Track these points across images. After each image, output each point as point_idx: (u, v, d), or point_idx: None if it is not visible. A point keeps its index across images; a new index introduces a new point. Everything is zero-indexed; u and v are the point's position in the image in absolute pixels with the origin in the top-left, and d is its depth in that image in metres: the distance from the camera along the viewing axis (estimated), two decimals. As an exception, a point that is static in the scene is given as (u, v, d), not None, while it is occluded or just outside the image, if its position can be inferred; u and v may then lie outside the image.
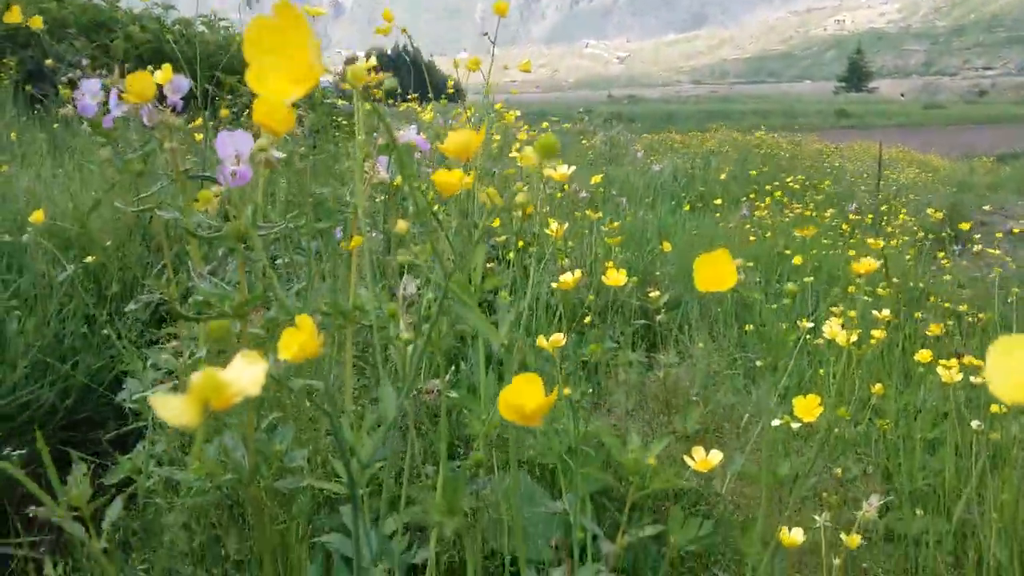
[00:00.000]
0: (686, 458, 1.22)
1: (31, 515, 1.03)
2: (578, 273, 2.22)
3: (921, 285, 3.85)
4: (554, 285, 2.23)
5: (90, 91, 1.30)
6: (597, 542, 1.35)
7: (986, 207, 12.48)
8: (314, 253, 2.35)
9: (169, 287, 1.66)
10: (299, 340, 0.68)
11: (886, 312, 1.87)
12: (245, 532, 1.45)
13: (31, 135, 5.55)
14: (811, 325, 1.91)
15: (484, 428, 1.17)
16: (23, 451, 1.79)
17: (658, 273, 3.63)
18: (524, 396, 0.68)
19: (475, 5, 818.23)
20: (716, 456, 1.21)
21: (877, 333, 1.78)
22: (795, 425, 1.51)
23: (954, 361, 1.55)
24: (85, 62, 4.53)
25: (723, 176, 8.03)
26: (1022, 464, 1.52)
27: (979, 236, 9.62)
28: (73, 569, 1.58)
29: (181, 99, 1.36)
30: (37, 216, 1.44)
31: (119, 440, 2.40)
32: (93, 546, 1.04)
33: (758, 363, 2.35)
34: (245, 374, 0.51)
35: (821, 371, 2.29)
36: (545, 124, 4.75)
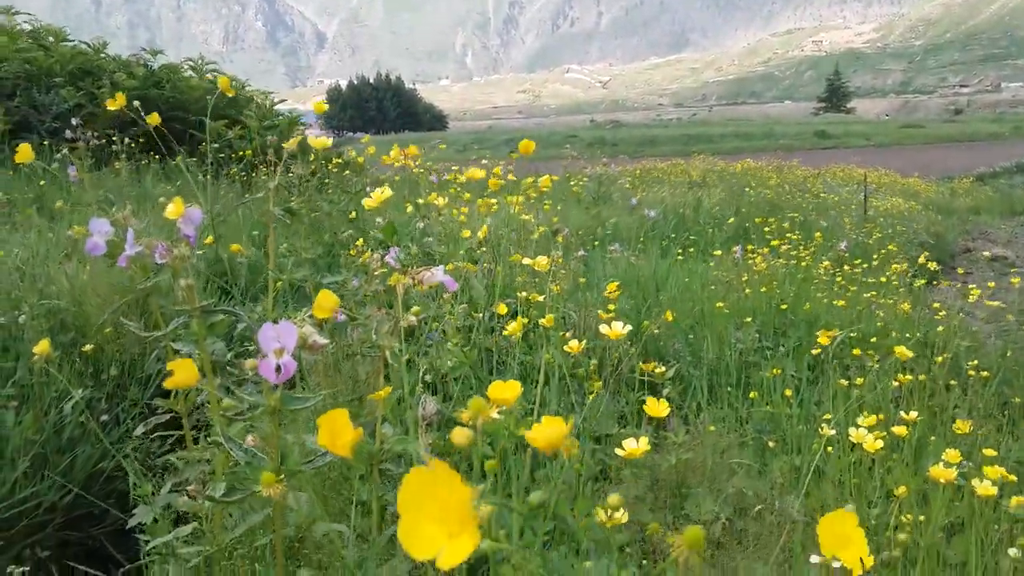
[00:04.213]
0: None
1: None
2: (583, 343, 2.22)
3: (919, 335, 3.86)
4: (566, 348, 2.22)
5: (99, 231, 1.28)
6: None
7: (970, 233, 12.61)
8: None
9: (179, 403, 1.64)
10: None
11: (913, 414, 1.87)
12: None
13: (19, 193, 5.50)
14: (832, 432, 1.90)
15: None
16: (25, 568, 1.75)
17: (657, 331, 3.62)
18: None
19: (455, 39, 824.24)
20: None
21: (900, 431, 1.77)
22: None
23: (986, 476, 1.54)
24: (76, 122, 4.51)
25: (713, 212, 8.08)
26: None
27: (965, 264, 9.71)
28: None
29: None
30: (43, 346, 1.41)
31: (119, 533, 2.36)
32: None
33: (770, 443, 2.33)
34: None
35: (830, 449, 2.27)
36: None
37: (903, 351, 2.29)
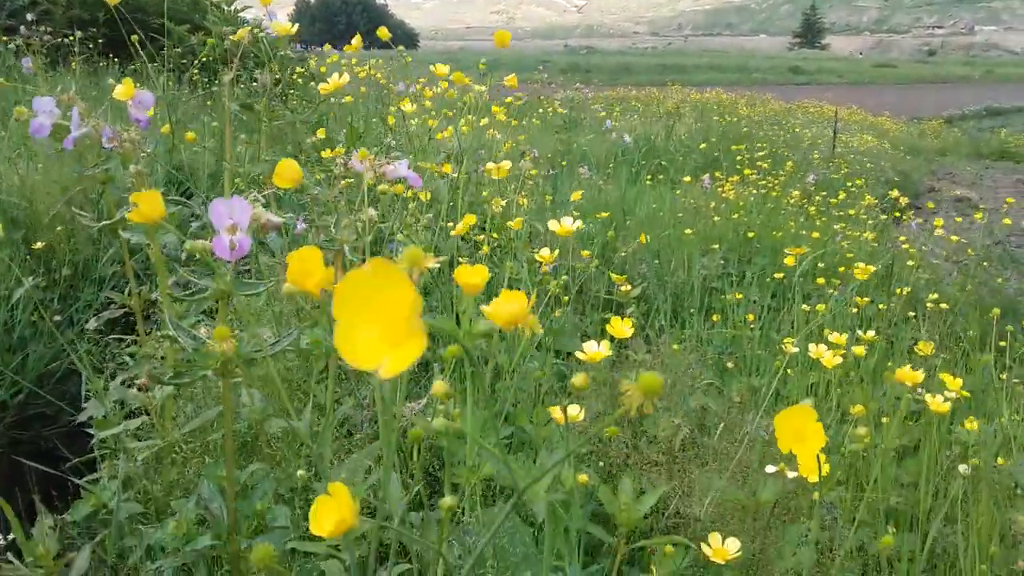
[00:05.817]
0: (703, 547, 1.18)
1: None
2: (556, 252, 2.20)
3: (882, 267, 3.89)
4: (536, 257, 2.20)
5: (44, 110, 1.20)
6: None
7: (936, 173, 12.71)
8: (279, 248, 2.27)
9: (132, 299, 1.58)
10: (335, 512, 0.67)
11: (871, 334, 1.88)
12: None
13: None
14: (795, 350, 1.90)
15: (472, 475, 1.14)
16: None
17: (624, 253, 3.61)
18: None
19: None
20: (733, 545, 1.17)
21: (859, 350, 1.78)
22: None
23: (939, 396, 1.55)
24: (31, 17, 4.29)
25: (683, 139, 8.04)
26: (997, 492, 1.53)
27: (930, 203, 9.82)
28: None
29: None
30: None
31: (71, 434, 2.32)
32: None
33: (729, 365, 2.35)
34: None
35: (790, 371, 2.29)
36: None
37: (861, 271, 2.30)
